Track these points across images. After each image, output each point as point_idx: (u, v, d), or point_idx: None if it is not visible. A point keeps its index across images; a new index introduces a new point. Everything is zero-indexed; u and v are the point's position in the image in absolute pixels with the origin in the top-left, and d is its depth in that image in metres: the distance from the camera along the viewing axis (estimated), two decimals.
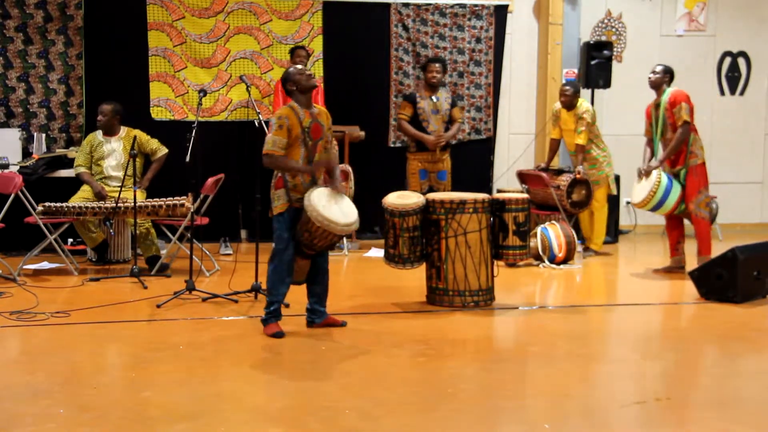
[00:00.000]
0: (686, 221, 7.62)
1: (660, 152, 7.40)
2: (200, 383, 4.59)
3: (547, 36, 9.56)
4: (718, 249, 7.13)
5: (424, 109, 8.39)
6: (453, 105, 8.52)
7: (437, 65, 8.44)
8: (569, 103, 8.42)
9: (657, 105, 7.45)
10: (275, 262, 5.45)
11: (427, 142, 8.35)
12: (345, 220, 5.33)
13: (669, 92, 7.36)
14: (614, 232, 9.36)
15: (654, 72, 7.50)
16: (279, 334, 5.44)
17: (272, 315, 5.51)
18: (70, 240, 8.13)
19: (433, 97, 8.41)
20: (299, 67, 5.52)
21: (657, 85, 7.46)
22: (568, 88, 8.46)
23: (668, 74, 7.47)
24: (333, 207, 5.34)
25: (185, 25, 8.82)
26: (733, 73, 10.27)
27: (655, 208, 7.36)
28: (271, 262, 5.47)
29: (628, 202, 9.54)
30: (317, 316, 5.69)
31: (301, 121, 5.39)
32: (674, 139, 7.26)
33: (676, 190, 7.23)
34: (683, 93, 7.35)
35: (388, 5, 9.28)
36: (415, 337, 5.52)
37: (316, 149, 5.45)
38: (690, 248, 7.61)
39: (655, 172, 7.26)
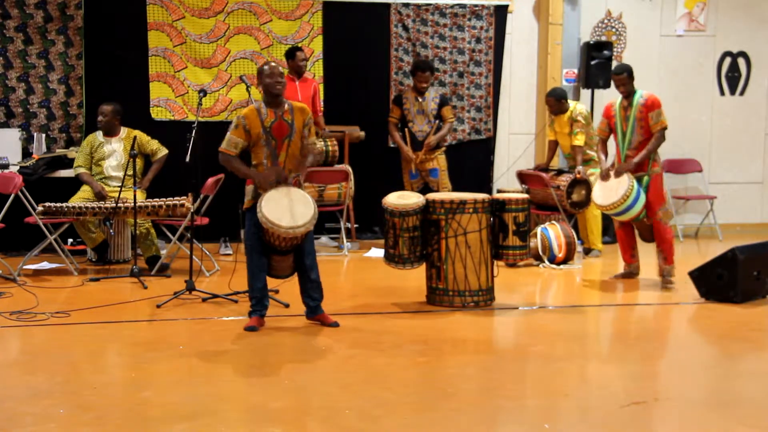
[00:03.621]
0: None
1: (624, 153, 7.03)
2: (200, 383, 4.60)
3: (547, 36, 9.55)
4: (718, 249, 7.12)
5: (409, 110, 8.51)
6: (443, 104, 8.54)
7: (426, 73, 8.44)
8: (555, 111, 8.40)
9: (627, 106, 7.02)
10: (246, 258, 5.57)
11: (403, 155, 8.52)
12: (290, 222, 5.27)
13: (642, 94, 7.02)
14: (614, 232, 9.32)
15: (621, 82, 6.98)
16: (251, 329, 5.51)
17: (252, 309, 5.61)
18: (70, 240, 8.13)
19: (419, 98, 8.46)
20: (274, 65, 5.52)
21: (630, 92, 7.00)
22: (549, 98, 8.41)
23: (632, 76, 7.01)
24: (282, 208, 5.29)
25: (185, 25, 8.82)
26: (733, 73, 10.26)
27: (619, 213, 7.02)
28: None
29: None
30: (309, 311, 5.73)
31: (263, 121, 5.42)
32: (651, 144, 6.94)
33: (643, 198, 6.97)
34: (657, 97, 7.04)
35: (388, 5, 9.28)
36: (415, 337, 5.51)
37: (282, 148, 5.48)
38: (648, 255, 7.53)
39: (627, 176, 6.95)
